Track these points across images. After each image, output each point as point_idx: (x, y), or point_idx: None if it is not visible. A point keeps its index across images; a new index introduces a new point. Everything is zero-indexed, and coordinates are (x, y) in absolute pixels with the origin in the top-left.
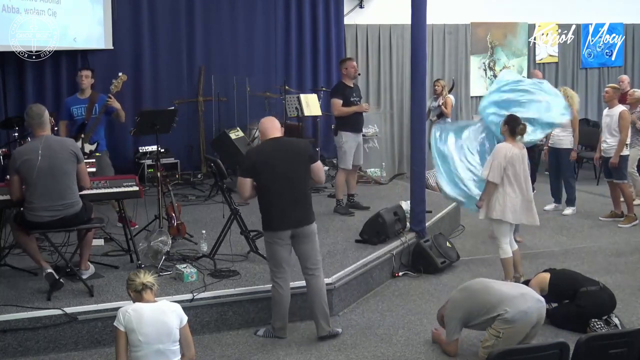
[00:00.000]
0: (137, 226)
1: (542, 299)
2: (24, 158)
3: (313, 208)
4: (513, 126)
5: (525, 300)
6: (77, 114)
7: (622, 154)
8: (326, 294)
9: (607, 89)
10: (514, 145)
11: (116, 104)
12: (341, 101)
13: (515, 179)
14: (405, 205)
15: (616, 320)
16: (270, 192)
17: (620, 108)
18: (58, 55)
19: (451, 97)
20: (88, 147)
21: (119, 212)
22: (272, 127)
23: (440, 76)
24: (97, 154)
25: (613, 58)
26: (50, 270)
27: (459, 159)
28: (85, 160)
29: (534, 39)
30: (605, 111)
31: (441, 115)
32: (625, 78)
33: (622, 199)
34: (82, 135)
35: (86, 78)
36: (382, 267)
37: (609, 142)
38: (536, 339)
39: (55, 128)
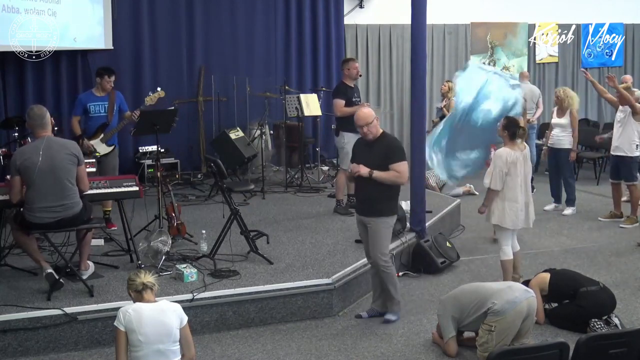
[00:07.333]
0: (115, 228)
1: (531, 290)
2: (25, 158)
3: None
4: (513, 131)
5: (512, 290)
6: (95, 111)
7: (632, 155)
8: None
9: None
10: (513, 149)
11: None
12: (344, 101)
13: (515, 184)
14: (405, 205)
15: (616, 320)
16: None
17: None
18: (58, 55)
19: (455, 100)
20: (103, 149)
21: (106, 216)
22: None
23: (440, 76)
24: (111, 150)
25: (613, 58)
26: (50, 270)
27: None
28: (85, 161)
29: (534, 39)
30: (621, 109)
31: (443, 117)
32: (629, 78)
33: (623, 200)
34: (102, 135)
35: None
36: None
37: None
38: (536, 339)
39: (56, 128)
